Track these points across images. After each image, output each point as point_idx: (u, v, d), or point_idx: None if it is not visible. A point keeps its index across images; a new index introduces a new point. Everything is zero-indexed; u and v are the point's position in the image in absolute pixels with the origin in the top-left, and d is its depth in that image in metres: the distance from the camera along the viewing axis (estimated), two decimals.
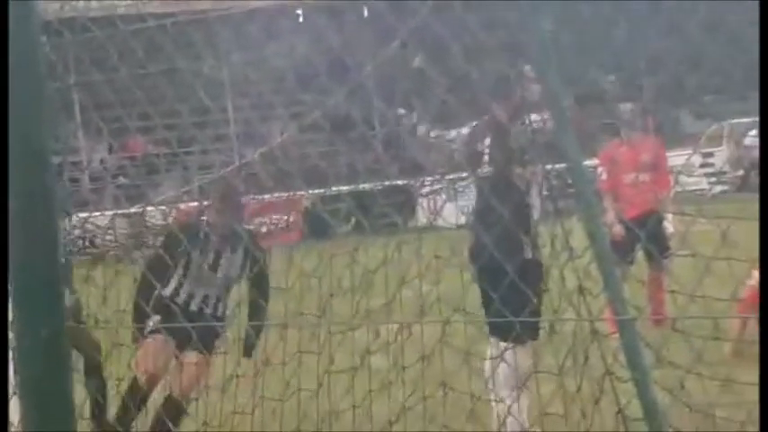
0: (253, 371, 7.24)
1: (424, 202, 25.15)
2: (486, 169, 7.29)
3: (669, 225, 10.77)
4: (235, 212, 8.04)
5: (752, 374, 6.26)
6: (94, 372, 8.44)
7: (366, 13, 36.19)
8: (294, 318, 7.27)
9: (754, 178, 30.36)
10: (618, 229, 10.46)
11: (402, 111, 33.83)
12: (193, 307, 7.77)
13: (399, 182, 26.18)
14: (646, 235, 9.46)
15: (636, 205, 10.71)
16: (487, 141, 7.32)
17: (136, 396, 7.46)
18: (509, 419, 7.14)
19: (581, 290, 6.44)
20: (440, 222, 7.87)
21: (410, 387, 6.92)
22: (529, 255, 6.87)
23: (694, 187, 28.78)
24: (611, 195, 10.91)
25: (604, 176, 10.98)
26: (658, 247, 10.09)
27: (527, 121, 7.00)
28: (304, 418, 7.02)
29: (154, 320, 7.48)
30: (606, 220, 10.52)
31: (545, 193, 7.25)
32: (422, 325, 6.49)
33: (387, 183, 23.81)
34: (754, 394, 6.10)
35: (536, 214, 7.18)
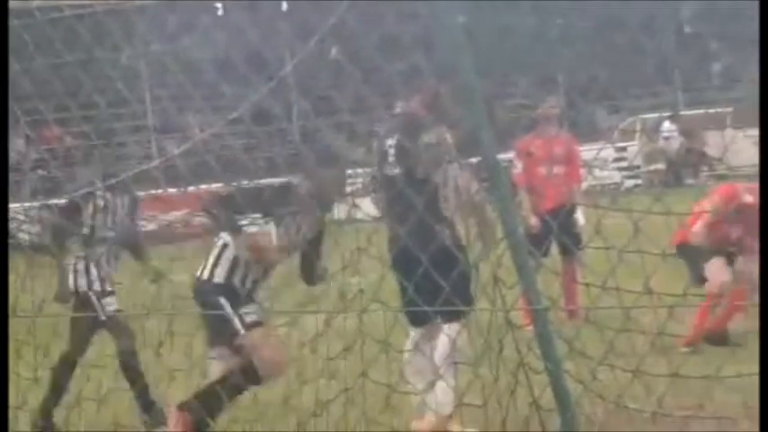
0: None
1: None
2: (394, 168, 7.33)
3: (581, 218, 10.91)
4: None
5: (662, 366, 6.42)
6: (131, 358, 8.40)
7: (285, 8, 36.16)
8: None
9: (678, 172, 30.84)
10: (533, 222, 10.61)
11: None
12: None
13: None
14: (559, 227, 9.61)
15: (550, 198, 10.82)
16: (394, 139, 7.35)
17: (241, 384, 7.12)
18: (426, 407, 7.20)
19: (495, 281, 6.55)
20: (359, 215, 7.90)
21: (332, 378, 6.97)
22: (447, 243, 6.94)
23: (608, 181, 29.11)
24: (526, 188, 11.01)
25: (519, 170, 11.08)
26: (571, 239, 10.22)
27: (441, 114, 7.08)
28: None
29: (252, 308, 7.12)
30: (522, 213, 10.66)
31: (464, 185, 7.32)
32: (345, 316, 6.55)
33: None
34: (664, 385, 6.25)
35: (452, 206, 7.24)
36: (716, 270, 9.49)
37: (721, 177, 28.46)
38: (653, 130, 31.82)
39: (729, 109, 34.07)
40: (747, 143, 28.92)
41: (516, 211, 5.51)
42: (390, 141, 7.38)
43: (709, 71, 40.35)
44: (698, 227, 9.45)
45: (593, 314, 6.61)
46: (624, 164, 31.24)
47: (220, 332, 7.00)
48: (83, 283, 8.47)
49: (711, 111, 33.86)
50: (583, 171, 12.44)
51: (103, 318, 8.39)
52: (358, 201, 7.93)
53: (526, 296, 5.64)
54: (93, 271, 8.47)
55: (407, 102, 7.51)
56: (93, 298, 8.44)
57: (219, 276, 7.08)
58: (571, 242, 10.15)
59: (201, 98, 6.99)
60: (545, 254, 9.67)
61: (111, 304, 8.50)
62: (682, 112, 33.04)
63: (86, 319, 8.34)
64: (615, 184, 29.49)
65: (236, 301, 7.01)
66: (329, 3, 5.92)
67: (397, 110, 7.62)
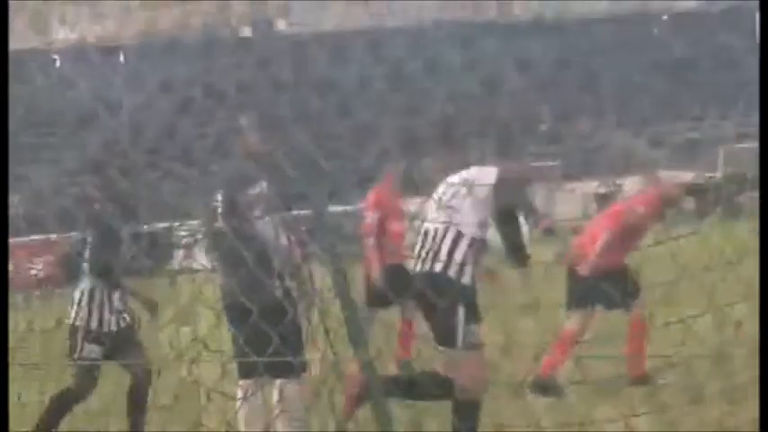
0: None
1: (180, 244, 25.14)
2: (220, 223, 7.40)
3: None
4: None
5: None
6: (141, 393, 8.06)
7: (122, 59, 35.98)
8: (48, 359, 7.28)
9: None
10: (376, 273, 10.78)
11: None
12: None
13: (148, 226, 26.02)
14: (396, 282, 9.90)
15: (389, 252, 11.03)
16: (221, 193, 7.43)
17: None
18: None
19: (326, 331, 6.68)
20: (195, 265, 7.97)
21: (162, 426, 7.01)
22: (279, 295, 7.02)
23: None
24: (371, 240, 11.13)
25: (369, 221, 11.21)
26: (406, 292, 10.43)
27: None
28: None
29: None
30: (366, 264, 10.87)
31: (295, 239, 7.43)
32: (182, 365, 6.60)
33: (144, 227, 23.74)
34: None
35: (283, 258, 7.34)
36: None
37: (549, 231, 29.20)
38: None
39: (558, 162, 35.06)
40: (573, 197, 29.83)
41: (344, 263, 5.62)
42: (218, 194, 7.45)
43: (537, 125, 41.39)
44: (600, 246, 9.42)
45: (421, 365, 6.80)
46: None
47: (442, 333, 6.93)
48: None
49: (542, 164, 34.78)
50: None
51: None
52: (193, 251, 7.99)
53: (354, 346, 5.75)
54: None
55: (234, 156, 7.58)
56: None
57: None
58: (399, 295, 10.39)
59: (35, 149, 7.01)
60: (388, 306, 9.95)
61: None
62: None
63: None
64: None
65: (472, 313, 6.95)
66: (162, 56, 6.02)
67: (226, 163, 7.68)
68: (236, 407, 7.38)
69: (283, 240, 7.26)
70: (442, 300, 6.62)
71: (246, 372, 7.26)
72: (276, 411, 7.14)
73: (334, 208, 6.31)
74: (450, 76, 26.15)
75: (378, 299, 10.17)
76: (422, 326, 7.85)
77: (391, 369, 9.56)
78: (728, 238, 7.86)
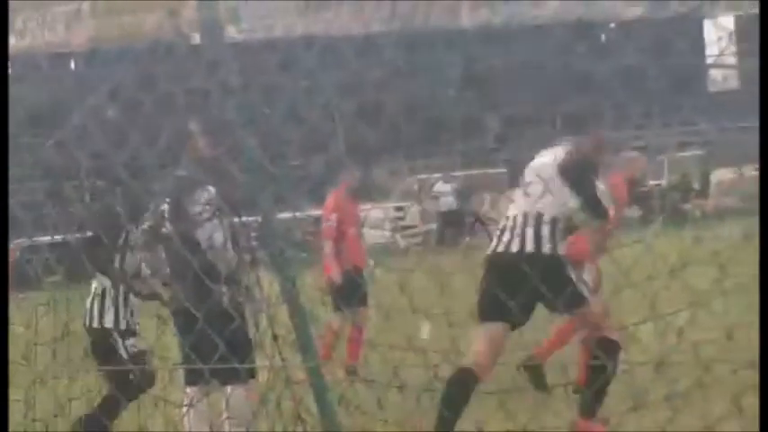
0: None
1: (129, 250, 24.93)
2: (168, 227, 7.40)
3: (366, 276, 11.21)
4: None
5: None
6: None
7: (72, 66, 35.82)
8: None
9: (449, 233, 31.58)
10: (336, 276, 10.89)
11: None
12: None
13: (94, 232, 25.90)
14: (351, 285, 10.08)
15: (352, 255, 11.14)
16: (168, 199, 7.43)
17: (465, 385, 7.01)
18: None
19: (275, 337, 6.70)
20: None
21: None
22: (226, 302, 7.03)
23: (387, 240, 29.61)
24: (330, 244, 11.21)
25: (327, 225, 11.32)
26: (359, 297, 10.57)
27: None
28: None
29: None
30: (326, 265, 10.99)
31: (242, 244, 7.45)
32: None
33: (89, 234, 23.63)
34: None
35: (232, 264, 7.35)
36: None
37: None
38: (428, 191, 32.62)
39: (504, 170, 35.23)
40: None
41: (292, 269, 5.65)
42: (165, 201, 7.45)
43: (483, 133, 41.57)
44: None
45: (365, 370, 6.84)
46: (402, 223, 31.87)
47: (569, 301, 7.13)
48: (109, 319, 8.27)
49: (488, 171, 34.97)
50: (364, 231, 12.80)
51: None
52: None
53: (303, 353, 5.77)
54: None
55: (183, 161, 7.57)
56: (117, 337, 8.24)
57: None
58: (359, 300, 10.52)
59: None
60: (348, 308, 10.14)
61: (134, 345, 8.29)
62: (458, 173, 33.97)
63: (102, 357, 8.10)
64: (394, 243, 30.04)
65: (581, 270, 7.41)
66: (112, 63, 6.03)
67: (174, 168, 7.67)
68: (183, 413, 7.38)
69: (231, 246, 7.28)
70: (547, 274, 6.92)
71: (193, 379, 7.26)
72: (223, 418, 7.16)
73: (283, 214, 6.31)
74: (399, 83, 26.19)
75: (343, 300, 10.34)
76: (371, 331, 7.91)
77: (339, 375, 9.61)
78: (672, 245, 7.96)
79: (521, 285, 6.71)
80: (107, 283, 8.06)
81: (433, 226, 32.41)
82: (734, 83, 43.19)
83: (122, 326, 8.24)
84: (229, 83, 5.32)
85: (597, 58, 36.88)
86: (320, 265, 11.14)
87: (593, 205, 7.44)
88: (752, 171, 34.44)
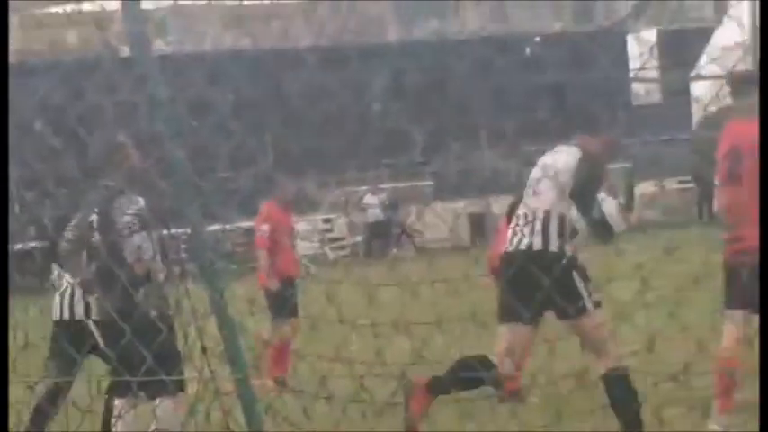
0: None
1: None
2: (96, 238, 7.39)
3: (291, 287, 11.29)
4: None
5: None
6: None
7: None
8: None
9: (376, 245, 31.70)
10: (272, 284, 10.97)
11: None
12: None
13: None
14: (283, 295, 10.19)
15: (282, 266, 11.22)
16: (96, 211, 7.42)
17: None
18: None
19: (204, 349, 6.72)
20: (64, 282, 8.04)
21: None
22: (154, 314, 7.04)
23: (315, 252, 29.63)
24: (264, 254, 11.27)
25: (261, 234, 11.38)
26: (290, 307, 10.69)
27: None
28: None
29: None
30: (261, 274, 11.07)
31: (171, 256, 7.46)
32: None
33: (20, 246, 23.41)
34: None
35: (160, 276, 7.35)
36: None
37: (422, 249, 29.55)
38: (356, 203, 32.71)
39: (430, 183, 35.42)
40: (445, 216, 30.13)
41: (221, 282, 5.67)
42: (94, 210, 7.45)
43: (409, 146, 41.69)
44: None
45: (293, 380, 6.87)
46: (330, 235, 31.91)
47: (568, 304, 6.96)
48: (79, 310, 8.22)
49: (415, 184, 35.12)
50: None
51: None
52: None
53: (231, 365, 5.79)
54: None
55: (112, 173, 7.55)
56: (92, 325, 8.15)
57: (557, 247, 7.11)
58: (289, 310, 10.62)
59: None
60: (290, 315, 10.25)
61: None
62: (386, 186, 34.08)
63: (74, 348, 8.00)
64: (323, 255, 30.07)
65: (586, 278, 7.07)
66: (39, 76, 6.04)
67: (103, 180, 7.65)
68: (111, 425, 7.38)
69: (160, 258, 7.29)
70: (551, 273, 6.73)
71: (121, 391, 7.26)
72: (151, 429, 7.16)
73: (212, 226, 6.34)
74: (324, 97, 26.26)
75: (278, 309, 10.40)
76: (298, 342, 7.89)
77: (268, 386, 9.63)
78: (596, 258, 8.06)
79: (529, 285, 6.68)
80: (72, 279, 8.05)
81: (360, 238, 32.51)
82: (656, 96, 43.71)
83: (94, 315, 8.23)
84: (157, 95, 5.34)
85: (521, 71, 37.17)
86: (249, 277, 11.19)
87: (599, 228, 7.34)
88: (674, 185, 34.95)
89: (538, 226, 7.16)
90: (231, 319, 5.63)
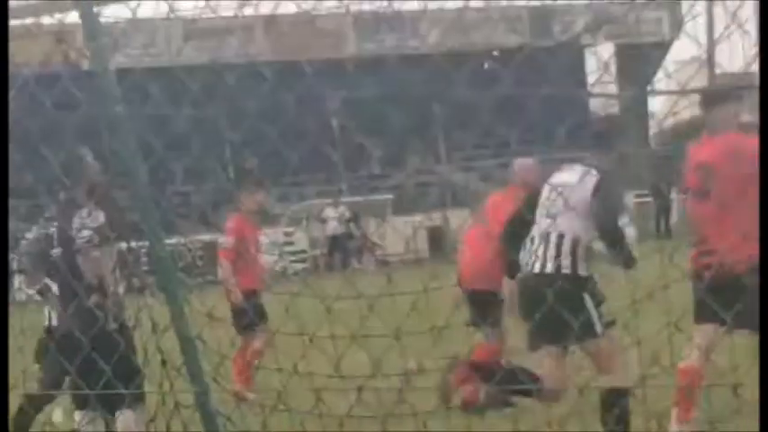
0: None
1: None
2: (55, 251, 7.39)
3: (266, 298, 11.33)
4: None
5: None
6: None
7: None
8: None
9: (345, 256, 31.75)
10: (235, 297, 10.97)
11: None
12: None
13: None
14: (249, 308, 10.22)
15: (251, 277, 11.24)
16: (56, 225, 7.42)
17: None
18: None
19: (163, 362, 6.72)
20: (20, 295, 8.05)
21: None
22: (111, 326, 7.04)
23: (275, 265, 29.62)
24: (229, 266, 11.26)
25: (227, 246, 11.37)
26: (259, 317, 10.75)
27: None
28: None
29: None
30: (227, 287, 11.06)
31: (131, 269, 7.47)
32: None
33: None
34: None
35: (120, 290, 7.36)
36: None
37: (384, 263, 29.63)
38: (316, 217, 32.77)
39: (389, 196, 35.47)
40: (404, 229, 30.18)
41: (180, 294, 5.69)
42: (53, 224, 7.45)
43: (368, 160, 41.81)
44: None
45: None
46: (290, 248, 31.91)
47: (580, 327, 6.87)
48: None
49: (374, 198, 35.19)
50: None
51: None
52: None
53: (192, 377, 5.81)
54: None
55: (72, 187, 7.55)
56: None
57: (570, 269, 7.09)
58: (254, 323, 10.65)
59: None
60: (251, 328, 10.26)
61: None
62: (344, 199, 34.15)
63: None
64: (283, 268, 30.05)
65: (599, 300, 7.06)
66: None
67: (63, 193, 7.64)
68: None
69: (119, 271, 7.30)
70: (564, 295, 6.65)
71: (81, 403, 7.26)
72: None
73: (172, 239, 6.35)
74: (283, 111, 26.31)
75: (241, 323, 10.39)
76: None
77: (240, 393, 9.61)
78: None
79: (541, 308, 6.56)
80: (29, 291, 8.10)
81: (320, 252, 32.54)
82: (614, 111, 44.00)
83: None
84: (116, 109, 5.37)
85: (479, 86, 37.33)
86: (209, 290, 11.18)
87: (622, 254, 7.25)
88: (632, 198, 35.17)
89: (552, 249, 7.16)
90: (189, 331, 5.66)
